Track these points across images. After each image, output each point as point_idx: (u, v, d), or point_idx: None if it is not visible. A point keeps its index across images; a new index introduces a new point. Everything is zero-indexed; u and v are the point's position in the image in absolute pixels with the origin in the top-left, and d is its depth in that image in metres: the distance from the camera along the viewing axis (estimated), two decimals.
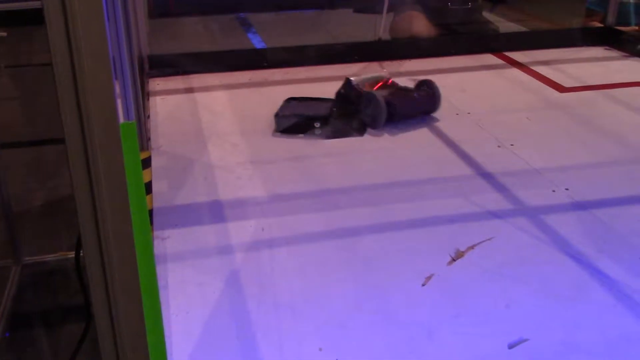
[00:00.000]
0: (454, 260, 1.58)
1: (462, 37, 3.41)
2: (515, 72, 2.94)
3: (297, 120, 2.27)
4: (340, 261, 1.57)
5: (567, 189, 1.89)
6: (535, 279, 1.51)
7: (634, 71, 2.93)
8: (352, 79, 2.41)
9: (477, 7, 3.95)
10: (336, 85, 2.37)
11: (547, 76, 2.85)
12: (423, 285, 1.49)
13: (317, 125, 2.24)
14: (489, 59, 3.12)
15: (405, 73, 2.90)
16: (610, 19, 3.36)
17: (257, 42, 3.60)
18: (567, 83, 2.76)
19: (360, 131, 2.27)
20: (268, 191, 1.89)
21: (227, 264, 1.55)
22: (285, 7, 4.33)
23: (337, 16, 4.48)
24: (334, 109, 2.33)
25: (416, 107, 2.38)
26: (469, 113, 2.46)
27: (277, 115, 2.31)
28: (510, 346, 1.27)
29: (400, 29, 3.42)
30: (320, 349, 1.29)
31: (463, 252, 1.61)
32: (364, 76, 2.48)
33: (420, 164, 2.07)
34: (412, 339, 1.31)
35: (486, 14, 4.06)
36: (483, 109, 2.51)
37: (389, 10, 3.37)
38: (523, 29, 3.99)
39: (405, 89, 2.42)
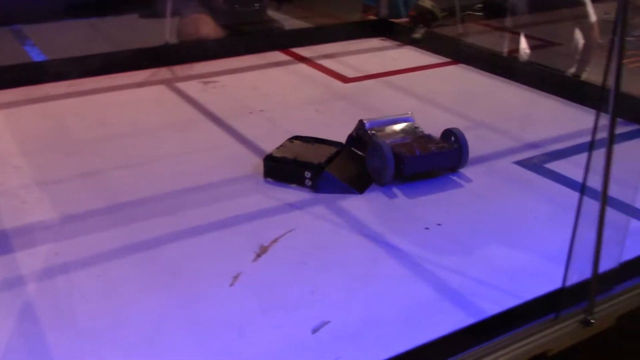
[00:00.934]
0: (258, 256, 1.60)
1: (249, 36, 3.46)
2: (303, 67, 3.05)
3: (285, 167, 1.93)
4: (144, 275, 1.52)
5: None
6: (336, 262, 1.58)
7: (407, 58, 3.18)
8: (365, 121, 2.07)
9: (263, 7, 4.03)
10: (129, 94, 2.29)
11: (332, 69, 3.00)
12: (231, 285, 1.49)
13: (308, 175, 1.90)
14: (277, 56, 3.21)
15: (196, 76, 2.89)
16: (383, 12, 3.61)
17: (35, 54, 3.36)
18: (350, 74, 2.93)
19: (361, 187, 1.92)
20: (59, 213, 1.78)
21: (17, 298, 1.43)
22: (66, 16, 4.09)
23: (122, 22, 4.32)
24: (336, 157, 1.98)
25: (433, 163, 1.98)
26: (261, 111, 2.51)
27: (265, 159, 1.97)
28: (314, 330, 1.32)
29: (186, 33, 3.38)
30: None
31: (267, 247, 1.64)
32: (385, 118, 2.12)
33: (216, 166, 2.07)
34: (223, 340, 1.31)
35: (272, 13, 4.15)
36: (275, 105, 2.57)
37: (174, 14, 3.33)
38: (308, 25, 4.15)
39: (426, 139, 2.03)
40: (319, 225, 1.74)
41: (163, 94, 2.70)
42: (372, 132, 2.04)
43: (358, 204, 1.84)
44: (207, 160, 2.12)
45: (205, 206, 1.82)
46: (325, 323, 1.35)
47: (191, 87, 2.76)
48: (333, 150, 2.01)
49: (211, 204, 1.83)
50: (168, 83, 2.82)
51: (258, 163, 2.08)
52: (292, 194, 1.89)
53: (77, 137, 2.30)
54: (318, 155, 1.95)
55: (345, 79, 2.87)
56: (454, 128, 2.00)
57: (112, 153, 2.15)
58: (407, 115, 2.13)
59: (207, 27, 3.42)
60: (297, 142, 2.07)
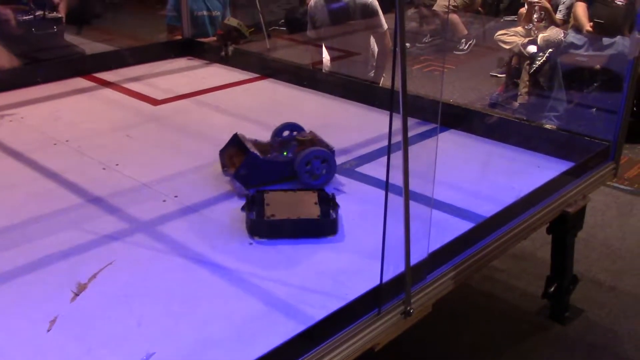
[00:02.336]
0: (76, 295, 1.51)
1: (47, 63, 3.25)
2: (108, 92, 2.94)
3: None
4: None
5: (176, 196, 1.96)
6: (161, 290, 1.54)
7: (216, 76, 3.19)
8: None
9: (61, 31, 3.81)
10: None
11: (140, 91, 2.92)
12: (48, 330, 1.39)
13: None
14: (80, 82, 3.06)
15: None
16: (187, 32, 3.58)
17: None
18: (159, 96, 2.87)
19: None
20: None
21: None
22: None
23: None
24: None
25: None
26: (67, 141, 2.37)
27: None
28: None
29: None
30: None
31: (85, 283, 1.55)
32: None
33: (20, 204, 1.92)
34: None
35: (71, 38, 3.95)
36: (81, 134, 2.44)
37: None
38: (110, 48, 4.01)
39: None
40: (139, 254, 1.68)
41: None
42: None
43: (179, 225, 1.81)
44: (9, 199, 1.96)
45: (11, 249, 1.68)
46: (152, 355, 1.30)
47: None
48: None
49: (18, 246, 1.70)
50: None
51: (68, 197, 1.97)
52: (108, 225, 1.81)
53: None
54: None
55: (154, 101, 2.81)
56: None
57: None
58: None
59: (0, 57, 3.17)
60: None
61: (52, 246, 1.70)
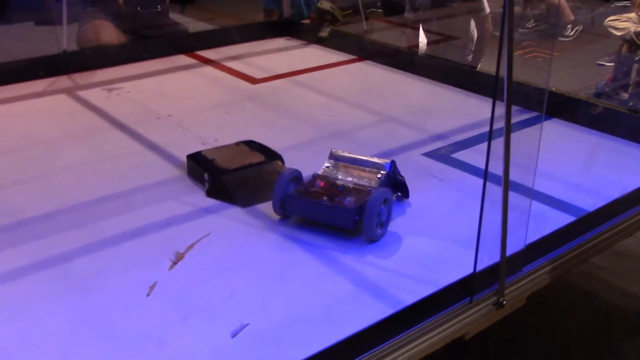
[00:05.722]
0: (174, 263, 1.57)
1: (152, 40, 3.38)
2: (209, 69, 3.02)
3: (194, 166, 1.93)
4: (54, 293, 1.46)
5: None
6: (254, 264, 1.57)
7: (314, 57, 3.20)
8: (334, 150, 1.82)
9: (165, 10, 3.95)
10: (25, 105, 2.16)
11: (239, 70, 2.98)
12: (147, 295, 1.45)
13: (206, 178, 1.86)
14: (183, 59, 3.15)
15: (99, 83, 2.80)
16: (286, 13, 3.62)
17: None
18: (257, 74, 2.92)
19: (247, 202, 1.80)
20: None
21: None
22: None
23: (16, 31, 4.13)
24: (252, 167, 1.89)
25: (314, 212, 1.68)
26: (169, 115, 2.46)
27: (187, 156, 1.96)
28: (234, 334, 1.31)
29: (86, 39, 3.27)
30: None
31: (183, 253, 1.61)
32: (359, 157, 1.80)
33: (125, 174, 2.01)
34: (143, 352, 1.28)
35: (175, 16, 4.08)
36: (183, 109, 2.53)
37: (73, 21, 3.20)
38: (212, 27, 4.11)
39: (356, 190, 1.70)
40: (234, 228, 1.72)
41: (63, 104, 2.60)
42: (328, 165, 1.80)
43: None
44: (115, 169, 2.05)
45: (115, 216, 1.77)
46: (245, 326, 1.34)
47: (94, 95, 2.66)
48: (258, 160, 1.95)
49: (121, 214, 1.78)
50: (69, 92, 2.71)
51: (169, 169, 2.04)
52: (205, 198, 1.86)
53: None
54: (234, 162, 1.92)
55: (253, 80, 2.86)
56: (380, 189, 1.67)
57: (9, 168, 2.05)
58: (385, 162, 1.78)
59: (108, 33, 3.32)
60: (241, 146, 2.04)
61: (152, 216, 1.77)
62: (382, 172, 1.76)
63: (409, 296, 1.43)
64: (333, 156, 1.81)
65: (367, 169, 1.78)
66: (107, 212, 1.79)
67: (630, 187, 1.85)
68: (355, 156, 1.80)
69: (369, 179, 1.75)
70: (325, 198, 1.65)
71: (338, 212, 1.63)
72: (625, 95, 4.32)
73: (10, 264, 1.55)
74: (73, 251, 1.61)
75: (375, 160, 1.79)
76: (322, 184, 1.72)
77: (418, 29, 4.02)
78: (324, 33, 3.34)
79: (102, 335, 1.33)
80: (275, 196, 1.69)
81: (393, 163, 1.79)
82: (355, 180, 1.75)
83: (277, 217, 1.74)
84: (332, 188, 1.70)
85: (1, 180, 1.97)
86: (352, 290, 1.47)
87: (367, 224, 1.61)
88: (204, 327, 1.35)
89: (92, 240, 1.65)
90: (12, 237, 1.67)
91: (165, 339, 1.31)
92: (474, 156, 2.11)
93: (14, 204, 1.83)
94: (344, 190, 1.69)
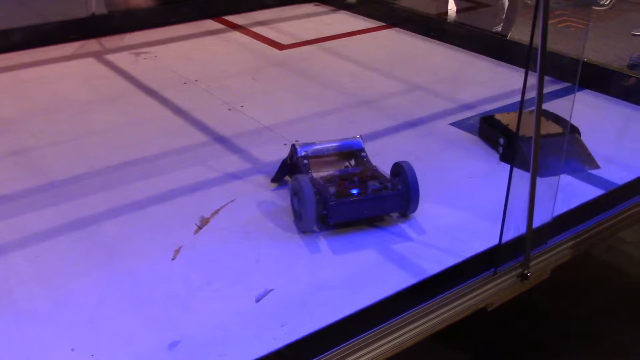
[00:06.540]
0: (200, 228, 1.58)
1: (181, 5, 3.36)
2: (237, 35, 3.00)
3: (488, 127, 1.95)
4: (82, 253, 1.49)
5: (297, 141, 1.99)
6: (279, 231, 1.57)
7: (342, 23, 3.16)
8: (297, 145, 1.68)
9: None
10: (56, 68, 2.17)
11: (267, 36, 2.96)
12: (173, 259, 1.47)
13: (501, 142, 1.88)
14: (210, 24, 3.14)
15: (127, 47, 2.80)
16: None
17: None
18: (285, 40, 2.89)
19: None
20: None
21: None
22: None
23: None
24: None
25: (367, 209, 1.55)
26: (196, 81, 2.46)
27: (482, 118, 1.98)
28: (258, 299, 1.32)
29: (115, 2, 3.26)
30: (72, 349, 1.22)
31: (208, 218, 1.62)
32: (324, 143, 1.70)
33: (152, 138, 2.02)
34: (168, 314, 1.30)
35: None
36: (210, 74, 2.52)
37: None
38: None
39: (369, 173, 1.63)
40: (260, 194, 1.73)
41: (92, 67, 2.61)
42: (305, 160, 1.67)
43: None
44: (142, 133, 2.07)
45: (142, 180, 1.78)
46: (269, 291, 1.35)
47: (122, 59, 2.67)
48: (555, 130, 1.82)
49: (148, 178, 1.80)
50: (97, 55, 2.72)
51: (196, 134, 2.05)
52: (231, 164, 1.87)
53: (3, 114, 2.20)
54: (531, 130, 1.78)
55: (280, 46, 2.84)
56: (403, 162, 1.61)
57: (41, 130, 2.08)
58: (355, 139, 1.73)
59: None
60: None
61: (179, 180, 1.78)
62: (362, 153, 1.71)
63: (434, 265, 1.43)
64: (303, 153, 1.69)
65: (343, 152, 1.71)
66: (134, 175, 1.81)
67: None
68: (321, 146, 1.71)
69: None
70: (370, 190, 1.55)
71: (391, 200, 1.56)
72: None
73: (41, 224, 1.58)
74: (100, 214, 1.63)
75: (345, 140, 1.73)
76: (342, 175, 1.63)
77: None
78: None
79: (128, 297, 1.35)
80: (310, 213, 1.52)
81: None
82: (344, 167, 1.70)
83: None
84: (360, 174, 1.62)
85: (34, 142, 2.00)
86: (377, 258, 1.48)
87: (414, 199, 1.58)
88: (228, 291, 1.37)
89: (119, 203, 1.67)
90: (43, 199, 1.69)
91: (189, 303, 1.33)
92: None
93: (46, 165, 1.86)
94: (362, 177, 1.61)
